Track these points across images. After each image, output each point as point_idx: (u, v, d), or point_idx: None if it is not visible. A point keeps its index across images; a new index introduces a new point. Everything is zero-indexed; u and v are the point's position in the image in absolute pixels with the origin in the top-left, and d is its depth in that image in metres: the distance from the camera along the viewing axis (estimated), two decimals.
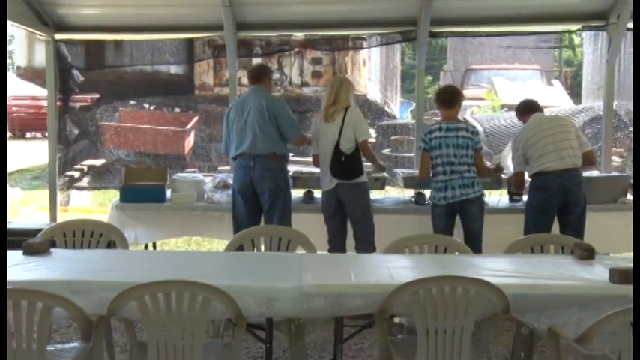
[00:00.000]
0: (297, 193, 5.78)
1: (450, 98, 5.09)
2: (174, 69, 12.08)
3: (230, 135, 5.25)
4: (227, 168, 6.57)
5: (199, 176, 6.34)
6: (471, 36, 6.67)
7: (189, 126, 12.13)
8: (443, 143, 4.93)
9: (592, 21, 6.13)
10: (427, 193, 5.72)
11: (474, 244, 4.89)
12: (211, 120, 11.88)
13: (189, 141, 12.09)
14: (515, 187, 5.38)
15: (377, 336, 3.06)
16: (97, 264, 3.31)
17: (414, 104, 12.92)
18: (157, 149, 11.72)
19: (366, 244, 5.08)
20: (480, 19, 6.25)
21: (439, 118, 5.30)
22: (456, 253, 3.81)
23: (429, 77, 30.77)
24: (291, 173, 5.63)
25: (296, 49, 8.77)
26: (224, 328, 3.37)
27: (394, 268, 3.21)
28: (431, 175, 5.03)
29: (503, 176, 5.77)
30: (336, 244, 5.18)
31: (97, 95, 10.72)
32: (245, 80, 5.78)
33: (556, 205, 5.01)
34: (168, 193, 5.75)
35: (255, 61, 8.05)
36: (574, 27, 6.46)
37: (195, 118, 12.26)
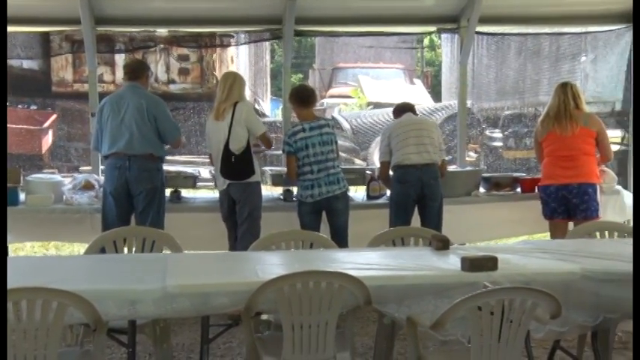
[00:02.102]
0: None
1: (308, 98, 5.18)
2: (27, 64, 11.33)
3: (103, 133, 5.01)
4: (89, 168, 6.27)
5: (57, 177, 5.98)
6: (335, 35, 6.81)
7: (46, 124, 11.44)
8: (309, 143, 5.00)
9: (446, 24, 6.48)
10: (295, 189, 5.81)
11: (341, 239, 5.01)
12: (71, 118, 11.28)
13: (47, 140, 11.41)
14: (380, 175, 5.57)
15: (244, 334, 3.06)
16: None
17: None
18: (9, 149, 10.96)
19: (245, 246, 5.04)
20: (343, 19, 6.40)
21: None
22: (322, 249, 3.89)
23: (300, 75, 31.12)
24: None
25: (161, 46, 8.54)
26: (83, 335, 3.22)
27: (260, 266, 3.22)
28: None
29: (367, 172, 5.98)
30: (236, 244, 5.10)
31: None
32: (107, 77, 5.57)
33: (415, 198, 5.25)
34: (23, 195, 5.40)
35: (119, 57, 7.76)
36: (430, 29, 6.80)
37: (54, 117, 11.60)
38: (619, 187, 6.03)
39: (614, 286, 3.09)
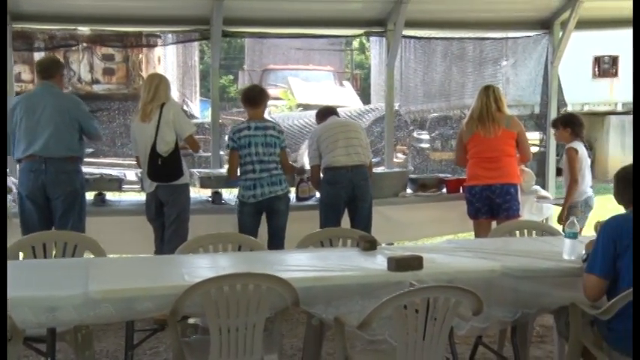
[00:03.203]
0: (87, 196, 5.50)
1: (255, 97, 5.16)
2: None
3: (15, 135, 4.77)
4: None
5: None
6: (264, 37, 6.80)
7: None
8: (252, 142, 4.98)
9: (373, 27, 6.58)
10: (224, 192, 5.77)
11: (278, 240, 5.05)
12: None
13: None
14: (312, 179, 5.60)
15: (170, 338, 3.01)
16: None
17: None
18: None
19: (173, 249, 4.95)
20: (272, 20, 6.41)
21: (240, 118, 5.36)
22: (250, 251, 3.87)
23: (230, 76, 30.86)
24: None
25: (84, 45, 8.28)
26: None
27: (187, 269, 3.18)
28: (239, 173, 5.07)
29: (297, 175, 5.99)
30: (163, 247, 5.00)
31: None
32: (25, 76, 5.34)
33: (345, 199, 5.30)
34: None
35: (38, 55, 7.46)
36: (358, 32, 6.88)
37: None
38: (537, 187, 6.28)
39: (532, 283, 3.21)
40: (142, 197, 5.41)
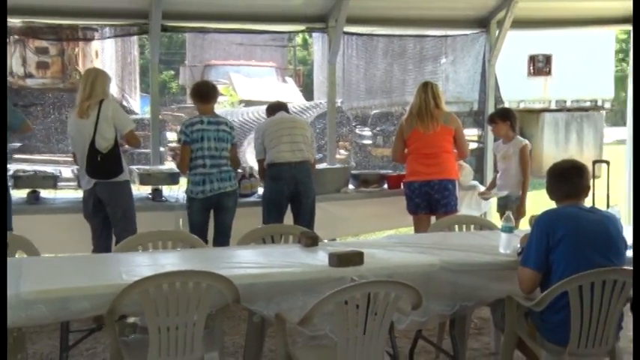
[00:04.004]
0: (20, 194, 5.33)
1: (207, 93, 5.13)
2: None
3: None
4: None
5: None
6: (204, 32, 6.69)
7: None
8: (204, 136, 4.95)
9: (315, 23, 6.58)
10: (164, 188, 5.67)
11: (224, 237, 5.04)
12: None
13: None
14: (259, 173, 5.59)
15: (107, 338, 2.94)
16: None
17: None
18: None
19: None
20: (212, 15, 6.31)
21: (180, 114, 5.28)
22: (190, 248, 3.83)
23: (171, 72, 30.39)
24: (11, 172, 5.13)
25: (16, 37, 7.97)
26: None
27: (125, 267, 3.12)
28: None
29: (239, 171, 5.94)
30: (101, 244, 4.89)
31: None
32: None
33: (288, 195, 5.30)
34: None
35: None
36: (299, 28, 6.87)
37: None
38: (475, 182, 6.41)
39: (469, 276, 3.29)
40: (78, 195, 5.27)
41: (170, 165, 5.48)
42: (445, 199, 5.27)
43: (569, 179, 3.21)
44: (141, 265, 3.30)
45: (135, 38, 15.47)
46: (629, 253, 3.28)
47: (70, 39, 8.03)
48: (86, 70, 5.04)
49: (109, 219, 4.90)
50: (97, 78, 4.85)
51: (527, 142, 5.66)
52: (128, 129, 4.88)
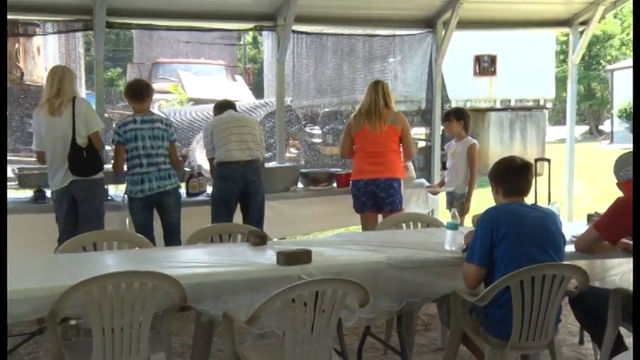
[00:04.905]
0: None
1: (140, 92, 5.07)
2: None
3: None
4: None
5: None
6: (151, 29, 6.59)
7: None
8: (139, 135, 4.90)
9: (263, 22, 6.56)
10: (110, 188, 5.57)
11: (173, 236, 5.01)
12: None
13: None
14: (210, 171, 5.55)
15: (49, 342, 2.87)
16: None
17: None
18: None
19: None
20: (159, 12, 6.23)
21: (128, 112, 5.21)
22: (137, 248, 3.78)
23: (119, 69, 29.80)
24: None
25: None
26: None
27: (69, 269, 3.06)
28: (126, 168, 4.97)
29: (186, 169, 5.90)
30: None
31: None
32: None
33: (237, 194, 5.27)
34: None
35: None
36: (248, 26, 6.84)
37: None
38: (423, 180, 6.51)
39: (415, 273, 3.34)
40: (19, 195, 5.13)
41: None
42: (390, 197, 5.32)
43: (523, 177, 3.29)
44: (84, 265, 3.25)
45: (80, 34, 15.13)
46: (568, 248, 3.39)
47: (10, 34, 7.78)
48: (52, 67, 4.96)
49: (79, 218, 4.82)
50: (64, 75, 4.81)
51: (475, 142, 5.80)
52: (95, 129, 4.85)
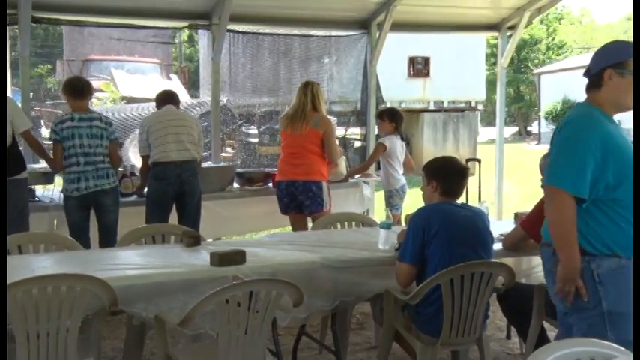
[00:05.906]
0: None
1: (82, 89, 4.96)
2: None
3: None
4: None
5: None
6: (80, 25, 6.41)
7: None
8: (76, 133, 4.79)
9: (198, 20, 6.49)
10: (38, 188, 5.40)
11: (109, 236, 4.89)
12: None
13: None
14: (141, 169, 5.44)
15: None
16: None
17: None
18: None
19: None
20: (88, 8, 6.07)
21: (58, 111, 5.07)
22: (65, 250, 3.68)
23: (48, 66, 28.81)
24: None
25: None
26: None
27: None
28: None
29: (120, 169, 5.76)
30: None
31: None
32: None
33: (173, 195, 5.19)
34: None
35: None
36: (182, 24, 6.75)
37: None
38: (358, 179, 6.57)
39: (349, 273, 3.37)
40: None
41: (43, 164, 5.23)
42: (308, 200, 5.19)
43: (463, 180, 3.40)
44: (11, 269, 3.12)
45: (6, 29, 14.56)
46: (496, 246, 3.50)
47: None
48: None
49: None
50: None
51: (384, 143, 5.98)
52: (23, 129, 4.71)
